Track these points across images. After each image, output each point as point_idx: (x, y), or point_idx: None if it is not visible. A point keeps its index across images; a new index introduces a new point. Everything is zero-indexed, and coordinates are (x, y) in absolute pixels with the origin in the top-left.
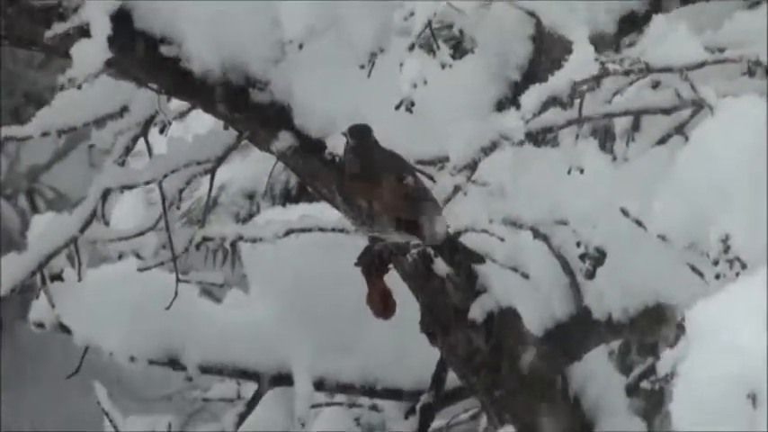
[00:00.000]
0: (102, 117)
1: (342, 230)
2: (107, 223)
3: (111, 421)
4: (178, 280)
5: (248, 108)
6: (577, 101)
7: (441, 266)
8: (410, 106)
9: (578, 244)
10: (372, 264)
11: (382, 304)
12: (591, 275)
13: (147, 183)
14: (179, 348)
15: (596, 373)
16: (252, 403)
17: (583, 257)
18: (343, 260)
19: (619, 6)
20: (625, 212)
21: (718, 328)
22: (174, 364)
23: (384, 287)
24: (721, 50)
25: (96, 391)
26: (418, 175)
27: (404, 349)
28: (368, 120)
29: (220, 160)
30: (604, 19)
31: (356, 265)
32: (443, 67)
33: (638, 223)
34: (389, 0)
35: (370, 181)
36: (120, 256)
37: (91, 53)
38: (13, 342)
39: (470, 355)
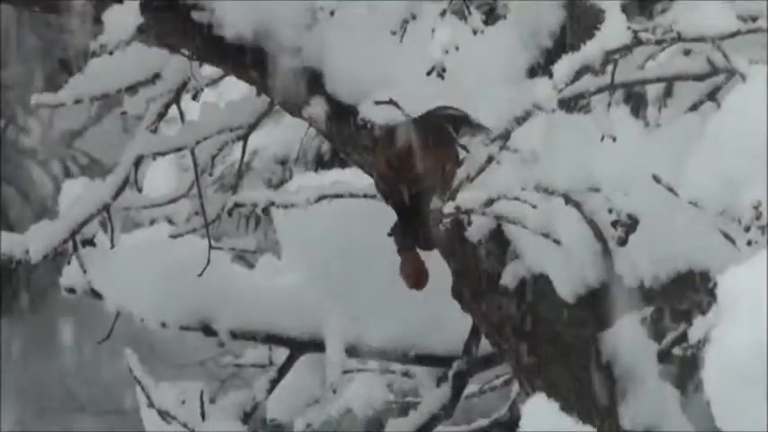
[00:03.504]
0: (135, 84)
1: (374, 197)
2: (140, 189)
3: (142, 387)
4: (211, 246)
5: (280, 74)
6: (609, 67)
7: (473, 233)
8: (441, 72)
9: (610, 211)
10: (405, 234)
11: (415, 275)
12: (623, 242)
13: (180, 149)
14: (211, 314)
15: (628, 340)
16: (284, 369)
17: (615, 224)
18: (376, 226)
19: None
20: (657, 179)
21: (750, 295)
22: (206, 330)
23: (417, 258)
24: (754, 19)
25: (128, 356)
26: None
27: (437, 315)
28: (399, 85)
29: (253, 126)
30: None
31: (389, 235)
32: (475, 33)
33: (671, 190)
34: None
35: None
36: (152, 223)
37: (122, 19)
38: (46, 308)
39: (502, 322)
